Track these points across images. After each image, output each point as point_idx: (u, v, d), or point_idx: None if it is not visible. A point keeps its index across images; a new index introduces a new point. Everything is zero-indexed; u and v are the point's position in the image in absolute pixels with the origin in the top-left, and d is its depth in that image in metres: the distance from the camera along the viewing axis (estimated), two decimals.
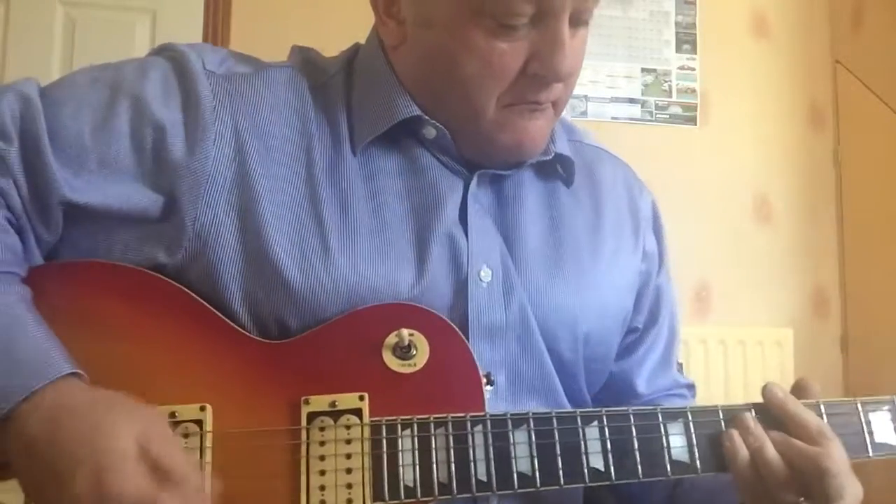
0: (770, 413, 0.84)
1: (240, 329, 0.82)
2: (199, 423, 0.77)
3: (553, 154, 0.94)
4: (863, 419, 0.87)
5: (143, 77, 0.86)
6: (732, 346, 2.84)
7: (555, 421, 0.81)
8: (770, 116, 3.05)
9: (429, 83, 0.88)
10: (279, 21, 2.69)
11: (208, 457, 0.77)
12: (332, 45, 1.01)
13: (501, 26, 0.82)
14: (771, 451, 0.81)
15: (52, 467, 0.67)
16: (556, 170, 0.97)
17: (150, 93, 0.84)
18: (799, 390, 0.87)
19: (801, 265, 3.01)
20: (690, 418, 0.83)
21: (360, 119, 0.89)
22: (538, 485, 0.79)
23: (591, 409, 0.83)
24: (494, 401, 0.84)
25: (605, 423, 0.82)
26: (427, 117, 0.88)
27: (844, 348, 2.99)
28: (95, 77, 0.86)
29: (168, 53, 0.89)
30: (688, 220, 2.84)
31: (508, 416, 0.80)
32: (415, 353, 0.81)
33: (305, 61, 0.94)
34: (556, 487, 0.79)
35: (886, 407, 0.88)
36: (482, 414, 0.80)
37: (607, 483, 0.80)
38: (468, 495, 0.78)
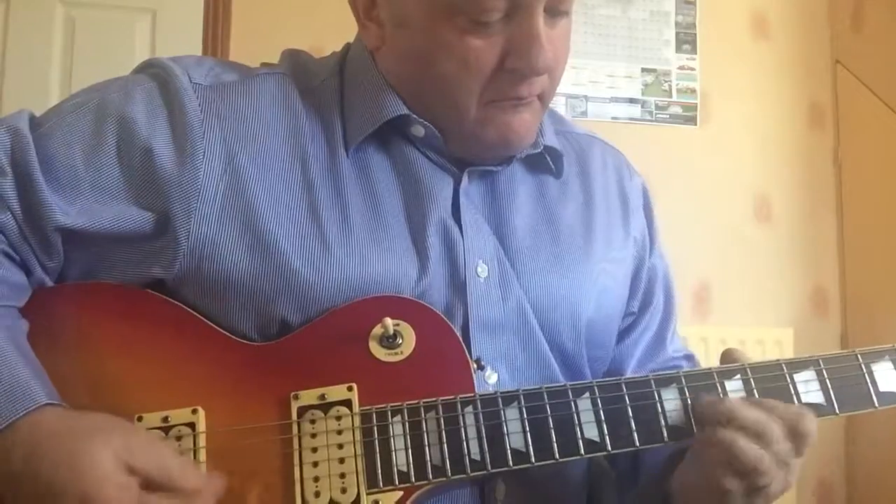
0: (762, 374, 0.84)
1: (227, 334, 0.83)
2: (192, 425, 0.77)
3: (542, 147, 0.94)
4: (864, 370, 0.85)
5: (127, 97, 0.86)
6: (733, 346, 2.82)
7: (545, 395, 0.81)
8: (770, 116, 3.05)
9: (411, 83, 0.89)
10: (279, 21, 2.69)
11: (202, 457, 0.77)
12: (330, 44, 1.01)
13: (475, 23, 0.81)
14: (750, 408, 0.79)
15: (38, 500, 0.68)
16: (545, 162, 0.97)
17: (136, 113, 0.85)
18: (727, 359, 0.86)
19: (801, 265, 3.00)
20: (685, 383, 0.83)
21: (352, 120, 0.90)
22: (533, 460, 0.78)
23: (581, 382, 0.82)
24: None
25: (598, 394, 0.81)
26: (415, 116, 0.89)
27: (844, 348, 2.97)
28: (82, 102, 0.87)
29: (152, 70, 0.90)
30: (688, 220, 2.84)
31: (499, 394, 0.80)
32: (401, 341, 0.81)
33: (296, 66, 0.94)
34: (552, 461, 0.79)
35: (887, 356, 0.87)
36: (472, 395, 0.80)
37: (604, 453, 0.80)
38: (463, 476, 0.78)
